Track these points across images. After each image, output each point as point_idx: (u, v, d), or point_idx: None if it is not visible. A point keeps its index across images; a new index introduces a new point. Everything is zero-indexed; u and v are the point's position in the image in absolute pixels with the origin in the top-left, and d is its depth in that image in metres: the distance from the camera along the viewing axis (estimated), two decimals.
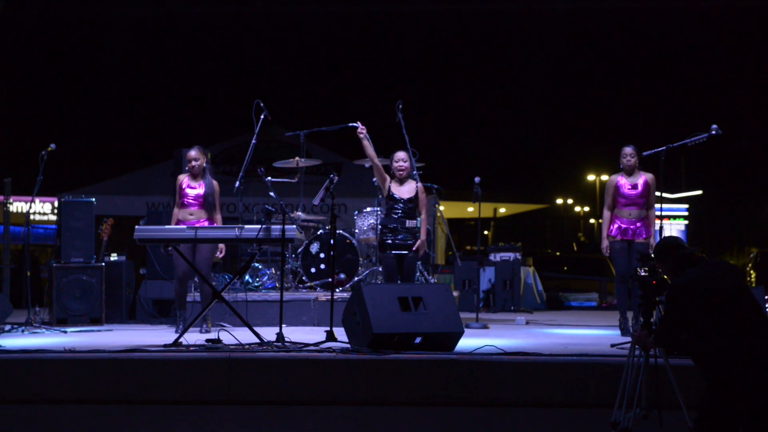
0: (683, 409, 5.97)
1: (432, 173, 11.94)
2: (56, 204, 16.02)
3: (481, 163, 41.37)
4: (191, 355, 7.24)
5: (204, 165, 9.64)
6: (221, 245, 9.56)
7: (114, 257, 12.07)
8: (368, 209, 10.75)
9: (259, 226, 8.37)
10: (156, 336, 8.94)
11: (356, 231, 10.81)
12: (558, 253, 31.00)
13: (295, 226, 8.58)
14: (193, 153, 9.62)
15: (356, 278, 10.68)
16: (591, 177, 45.97)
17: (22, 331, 9.66)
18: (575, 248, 37.79)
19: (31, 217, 15.76)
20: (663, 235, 8.82)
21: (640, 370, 6.04)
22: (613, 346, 8.04)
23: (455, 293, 10.75)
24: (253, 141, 11.12)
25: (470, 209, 29.81)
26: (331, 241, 8.81)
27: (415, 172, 10.29)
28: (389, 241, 9.27)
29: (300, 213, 11.07)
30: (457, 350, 7.57)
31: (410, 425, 6.83)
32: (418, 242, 9.34)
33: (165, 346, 7.73)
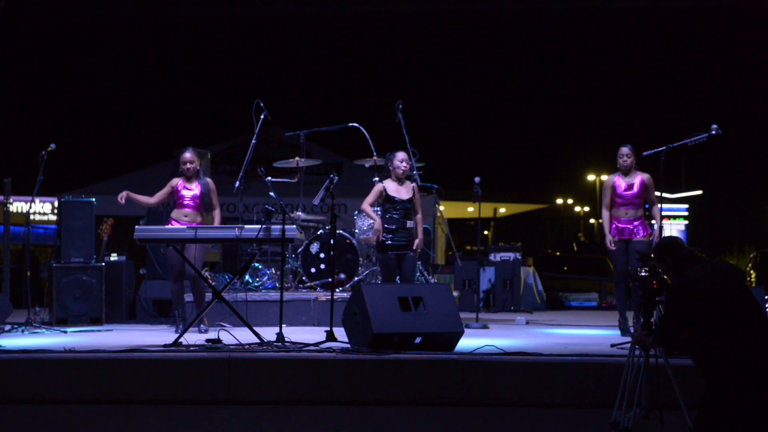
0: (683, 409, 5.96)
1: (432, 173, 11.95)
2: (56, 204, 16.03)
3: (481, 163, 41.41)
4: (191, 355, 7.24)
5: (198, 167, 9.63)
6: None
7: (114, 257, 12.06)
8: None
9: (259, 226, 8.37)
10: (156, 336, 8.94)
11: (356, 231, 10.81)
12: (558, 253, 30.98)
13: (295, 226, 8.58)
14: (188, 155, 9.55)
15: (356, 278, 10.67)
16: (591, 177, 45.97)
17: (22, 331, 9.66)
18: (575, 248, 37.75)
19: (31, 217, 15.77)
20: (663, 235, 8.84)
21: (640, 370, 6.04)
22: (613, 346, 8.04)
23: (455, 293, 10.75)
24: (253, 141, 11.12)
25: (470, 209, 29.81)
26: (331, 241, 8.81)
27: (414, 173, 10.31)
28: (389, 242, 9.31)
29: (300, 213, 11.06)
30: (457, 350, 7.57)
31: (410, 425, 6.83)
32: (417, 241, 9.38)
33: (165, 346, 7.73)
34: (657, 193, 9.46)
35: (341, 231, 10.78)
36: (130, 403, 6.90)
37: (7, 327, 9.68)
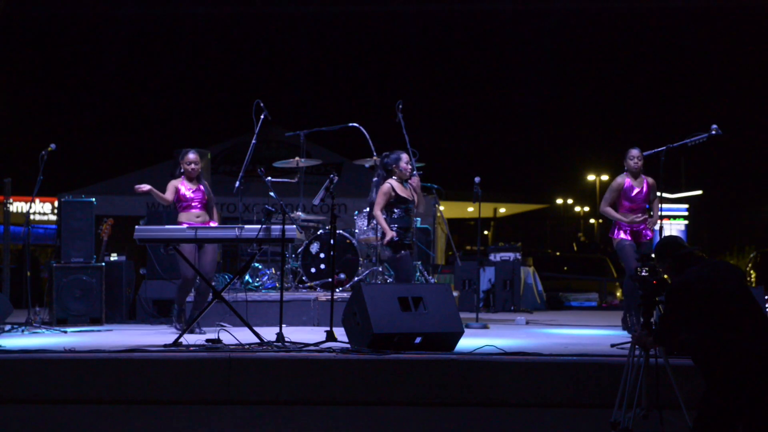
0: (683, 409, 5.96)
1: (432, 173, 11.96)
2: (56, 204, 16.03)
3: (481, 163, 41.39)
4: (191, 355, 7.24)
5: (200, 168, 9.62)
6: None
7: (114, 257, 12.07)
8: (368, 209, 10.74)
9: (259, 226, 8.37)
10: (156, 336, 8.94)
11: (356, 231, 10.81)
12: (558, 253, 30.99)
13: (295, 226, 8.58)
14: (193, 156, 9.50)
15: (356, 278, 10.67)
16: (591, 177, 45.97)
17: (22, 331, 9.66)
18: (575, 248, 37.75)
19: (31, 217, 15.77)
20: (663, 235, 8.84)
21: (640, 370, 6.03)
22: (613, 346, 8.04)
23: (455, 293, 10.75)
24: (253, 141, 11.12)
25: (470, 209, 29.81)
26: (331, 241, 8.81)
27: (415, 173, 10.32)
28: (407, 241, 9.45)
29: (300, 213, 11.06)
30: (457, 350, 7.57)
31: (410, 425, 6.83)
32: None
33: (165, 346, 7.73)
34: (657, 193, 9.47)
35: (341, 231, 10.78)
36: (130, 403, 6.90)
37: (7, 327, 9.69)
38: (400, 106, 10.70)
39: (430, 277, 11.74)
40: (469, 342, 7.88)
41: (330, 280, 10.03)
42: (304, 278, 10.93)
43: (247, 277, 10.92)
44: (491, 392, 6.89)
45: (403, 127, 10.64)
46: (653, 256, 6.07)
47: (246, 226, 8.48)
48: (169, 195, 9.46)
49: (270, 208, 9.06)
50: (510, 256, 15.18)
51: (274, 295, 10.37)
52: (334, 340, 8.03)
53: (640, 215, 9.39)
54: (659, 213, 9.40)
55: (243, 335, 8.01)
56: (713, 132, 8.87)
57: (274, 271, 11.20)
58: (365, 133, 11.29)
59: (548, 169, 49.83)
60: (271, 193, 10.41)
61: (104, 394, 6.92)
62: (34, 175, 10.20)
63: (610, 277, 20.12)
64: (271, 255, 11.72)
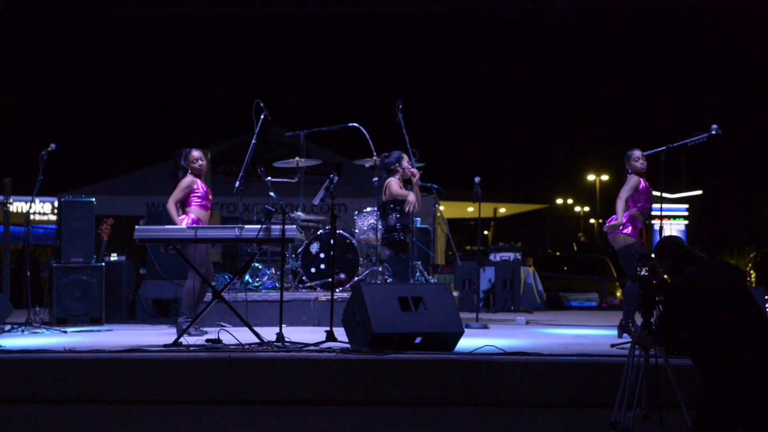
0: (683, 409, 5.96)
1: (432, 173, 11.94)
2: (56, 204, 16.03)
3: (481, 163, 41.39)
4: (191, 355, 7.24)
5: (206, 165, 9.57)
6: None
7: (114, 257, 12.07)
8: (368, 209, 10.75)
9: (259, 226, 8.36)
10: (156, 336, 8.94)
11: (356, 231, 10.81)
12: (558, 253, 31.00)
13: (295, 226, 8.58)
14: (198, 153, 9.35)
15: (356, 278, 10.67)
16: (591, 177, 45.97)
17: (22, 331, 9.66)
18: (575, 248, 37.76)
19: (31, 217, 15.78)
20: (663, 235, 8.84)
21: (640, 370, 6.04)
22: (613, 346, 8.04)
23: (455, 293, 10.75)
24: (253, 141, 11.12)
25: (470, 209, 29.82)
26: (331, 241, 8.81)
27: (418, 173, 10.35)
28: (411, 241, 9.51)
29: (300, 213, 11.06)
30: (457, 350, 7.57)
31: (410, 425, 6.83)
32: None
33: (165, 346, 7.73)
34: (656, 193, 9.47)
35: (341, 231, 10.78)
36: (130, 403, 6.90)
37: (7, 327, 9.69)
38: (400, 106, 10.70)
39: (430, 277, 11.74)
40: (469, 342, 7.88)
41: (330, 280, 10.03)
42: (304, 278, 10.93)
43: (247, 277, 10.92)
44: (491, 392, 6.89)
45: (403, 127, 10.64)
46: (653, 255, 6.08)
47: (246, 226, 8.47)
48: (182, 196, 9.19)
49: (270, 208, 9.05)
50: (510, 256, 15.18)
51: (274, 295, 10.36)
52: (334, 340, 8.03)
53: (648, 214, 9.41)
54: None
55: (243, 335, 8.01)
56: (713, 132, 8.87)
57: (274, 271, 11.20)
58: (365, 133, 11.29)
59: (548, 169, 49.86)
60: (271, 193, 10.41)
61: (104, 394, 6.92)
62: (34, 175, 10.20)
63: (610, 277, 20.13)
64: (271, 255, 11.72)
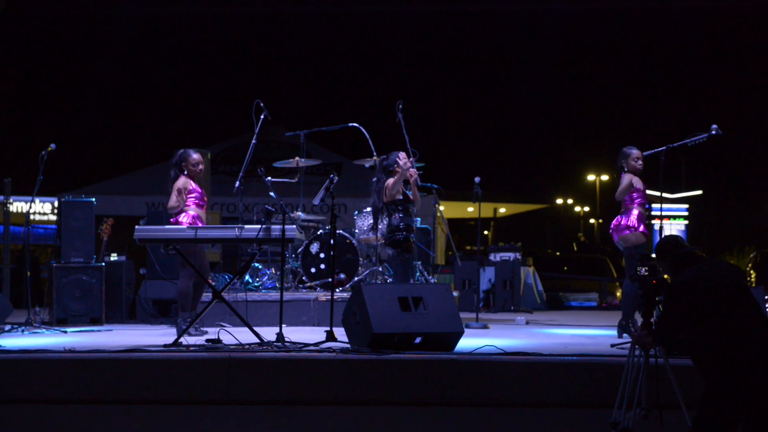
0: (683, 409, 5.96)
1: (432, 173, 11.95)
2: (56, 204, 16.04)
3: (481, 163, 41.38)
4: (191, 355, 7.24)
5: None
6: None
7: (114, 257, 12.07)
8: (368, 209, 10.74)
9: (259, 226, 8.36)
10: (156, 336, 8.94)
11: (356, 231, 10.81)
12: (558, 253, 30.99)
13: (295, 226, 8.58)
14: (198, 156, 9.31)
15: (356, 278, 10.68)
16: (591, 177, 45.97)
17: (22, 331, 9.66)
18: (575, 248, 37.75)
19: (31, 217, 15.78)
20: (663, 235, 8.83)
21: (640, 370, 6.04)
22: (613, 346, 8.04)
23: (455, 293, 10.75)
24: (253, 141, 11.12)
25: (470, 209, 29.82)
26: (331, 241, 8.81)
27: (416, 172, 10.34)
28: (412, 240, 9.50)
29: (300, 213, 11.06)
30: (457, 350, 7.57)
31: (410, 425, 6.83)
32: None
33: (165, 346, 7.73)
34: (656, 193, 9.46)
35: (341, 231, 10.78)
36: (130, 403, 6.90)
37: (7, 327, 9.69)
38: (400, 106, 10.70)
39: (430, 277, 11.74)
40: (469, 342, 7.87)
41: (330, 280, 10.03)
42: (304, 278, 10.93)
43: (247, 277, 10.92)
44: (491, 392, 6.89)
45: (403, 127, 10.64)
46: (653, 254, 6.07)
47: (246, 226, 8.47)
48: (180, 197, 9.18)
49: (270, 208, 9.05)
50: (510, 256, 15.18)
51: (274, 295, 10.36)
52: (334, 340, 8.03)
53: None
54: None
55: (243, 335, 8.00)
56: (713, 132, 8.86)
57: (274, 271, 11.20)
58: (365, 133, 11.29)
59: (548, 169, 49.82)
60: (271, 193, 10.41)
61: (104, 394, 6.92)
62: (34, 175, 10.20)
63: (610, 277, 20.13)
64: (271, 255, 11.72)
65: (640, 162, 9.28)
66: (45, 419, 6.84)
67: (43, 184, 10.27)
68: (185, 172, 9.26)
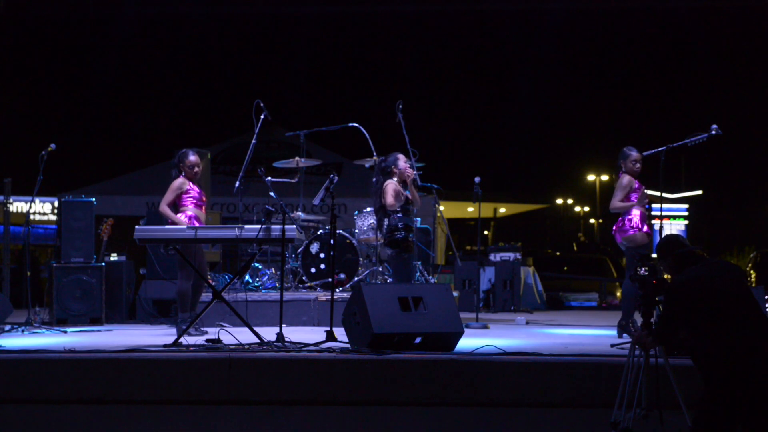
0: (683, 409, 5.96)
1: (432, 173, 11.96)
2: (56, 204, 16.02)
3: (481, 163, 41.37)
4: (191, 355, 7.24)
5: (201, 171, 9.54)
6: None
7: (114, 257, 12.07)
8: (368, 209, 10.75)
9: (259, 226, 8.36)
10: (156, 336, 8.94)
11: (356, 231, 10.81)
12: (558, 253, 30.98)
13: (295, 226, 8.58)
14: (195, 158, 9.30)
15: (356, 278, 10.68)
16: (591, 177, 45.95)
17: (22, 331, 9.66)
18: (575, 248, 37.74)
19: (31, 217, 15.78)
20: (664, 234, 8.83)
21: (640, 370, 6.03)
22: (613, 346, 8.04)
23: (455, 293, 10.75)
24: (253, 141, 11.12)
25: (470, 209, 29.83)
26: (331, 241, 8.81)
27: (415, 173, 10.34)
28: (411, 241, 9.50)
29: (300, 213, 11.07)
30: (457, 350, 7.57)
31: (410, 425, 6.83)
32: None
33: (165, 346, 7.73)
34: (656, 193, 9.46)
35: (341, 231, 10.78)
36: (130, 403, 6.90)
37: (7, 327, 9.69)
38: (400, 106, 10.71)
39: (430, 277, 11.74)
40: (469, 342, 7.88)
41: (330, 280, 10.03)
42: (304, 278, 10.94)
43: (247, 277, 10.92)
44: (491, 392, 6.89)
45: (403, 127, 10.65)
46: (654, 254, 6.07)
47: (246, 226, 8.47)
48: (174, 197, 9.20)
49: (270, 208, 9.05)
50: (510, 256, 15.18)
51: (274, 295, 10.37)
52: (334, 340, 8.03)
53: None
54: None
55: (243, 335, 8.01)
56: (713, 132, 8.86)
57: (274, 271, 11.20)
58: (365, 133, 11.29)
59: (548, 169, 49.81)
60: (271, 193, 10.40)
61: (104, 394, 6.92)
62: (34, 175, 10.20)
63: (610, 277, 20.13)
64: (271, 255, 11.72)
65: (638, 165, 9.27)
66: (45, 419, 6.84)
67: (43, 184, 10.27)
68: (183, 173, 9.27)
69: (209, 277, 10.81)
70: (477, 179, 11.23)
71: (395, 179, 9.54)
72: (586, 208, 50.74)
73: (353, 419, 6.84)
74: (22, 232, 11.45)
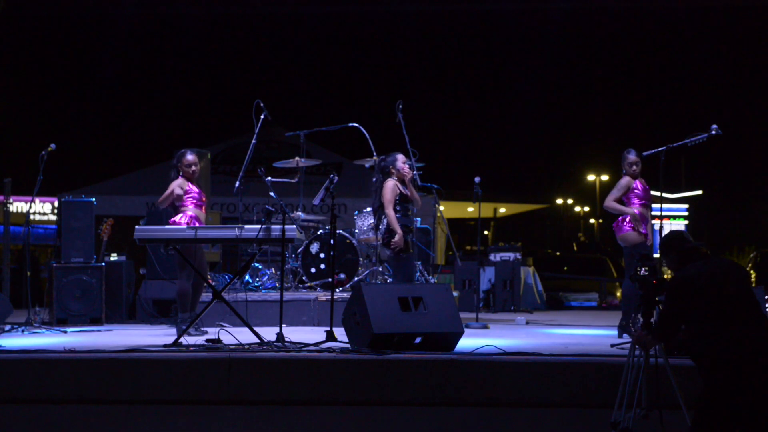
0: (683, 409, 5.96)
1: (432, 173, 11.96)
2: (56, 204, 16.04)
3: (481, 163, 41.39)
4: (191, 355, 7.24)
5: (199, 171, 9.52)
6: None
7: (114, 257, 12.07)
8: (368, 209, 10.75)
9: (259, 226, 8.36)
10: (156, 336, 8.94)
11: (356, 231, 10.81)
12: (558, 253, 31.00)
13: (295, 226, 8.58)
14: (192, 157, 9.28)
15: (356, 278, 10.68)
16: (591, 177, 45.94)
17: (22, 331, 9.66)
18: (575, 248, 37.76)
19: (31, 217, 15.77)
20: (664, 234, 8.83)
21: (640, 370, 6.03)
22: (613, 346, 8.04)
23: (455, 293, 10.75)
24: (253, 141, 11.12)
25: (470, 209, 29.81)
26: (331, 241, 8.81)
27: (415, 173, 10.33)
28: (411, 241, 9.50)
29: (300, 213, 11.07)
30: (457, 350, 7.57)
31: (410, 425, 6.83)
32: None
33: (165, 346, 7.73)
34: (656, 193, 9.46)
35: (341, 231, 10.78)
36: (130, 403, 6.90)
37: (7, 327, 9.69)
38: (400, 106, 10.71)
39: (430, 277, 11.74)
40: (469, 342, 7.87)
41: (330, 280, 10.03)
42: (304, 278, 10.94)
43: (247, 277, 10.92)
44: (491, 392, 6.88)
45: (403, 127, 10.65)
46: (659, 249, 6.02)
47: (246, 226, 8.47)
48: (172, 196, 9.23)
49: (270, 208, 9.05)
50: (510, 256, 15.18)
51: (274, 295, 10.37)
52: (334, 340, 8.03)
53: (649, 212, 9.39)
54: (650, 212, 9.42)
55: (243, 335, 8.01)
56: (713, 132, 8.86)
57: (274, 271, 11.20)
58: (365, 133, 11.29)
59: (548, 169, 49.84)
60: (271, 193, 10.41)
61: (104, 394, 6.92)
62: (34, 175, 10.20)
63: (610, 277, 20.12)
64: (271, 255, 11.72)
65: (634, 167, 9.31)
66: (45, 419, 6.84)
67: (43, 184, 10.27)
68: (180, 173, 9.26)
69: (209, 277, 10.81)
70: (477, 179, 11.23)
71: (394, 178, 9.54)
72: (586, 208, 50.76)
73: (353, 419, 6.84)
74: (22, 232, 11.45)
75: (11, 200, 10.80)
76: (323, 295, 10.53)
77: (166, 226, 8.91)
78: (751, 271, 18.08)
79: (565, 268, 21.77)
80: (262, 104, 10.89)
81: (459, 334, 7.76)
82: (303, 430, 6.82)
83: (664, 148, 9.07)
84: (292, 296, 10.55)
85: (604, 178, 44.21)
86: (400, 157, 9.57)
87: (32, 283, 10.69)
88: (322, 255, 10.87)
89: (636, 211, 9.20)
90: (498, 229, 43.39)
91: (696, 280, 5.55)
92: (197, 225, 8.95)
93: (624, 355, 6.50)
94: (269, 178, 10.68)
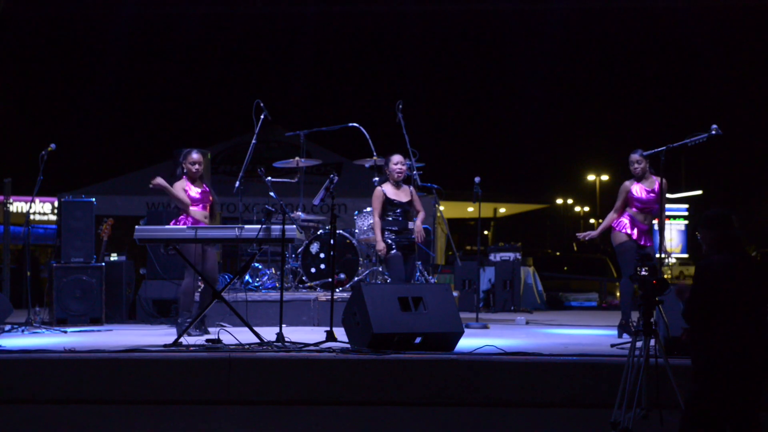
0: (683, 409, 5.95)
1: (432, 173, 11.96)
2: (56, 204, 16.04)
3: (481, 163, 41.40)
4: (191, 355, 7.24)
5: (203, 169, 9.51)
6: None
7: (114, 257, 12.07)
8: (368, 209, 10.74)
9: (259, 226, 8.37)
10: (156, 336, 8.94)
11: (356, 231, 10.81)
12: (558, 253, 30.98)
13: (295, 226, 8.58)
14: (197, 156, 9.26)
15: (356, 278, 10.68)
16: (591, 177, 45.96)
17: (22, 331, 9.67)
18: (575, 248, 37.75)
19: (31, 217, 15.78)
20: (663, 235, 8.85)
21: (640, 370, 6.03)
22: (613, 346, 8.04)
23: (455, 293, 10.76)
24: (253, 141, 11.12)
25: (470, 209, 29.82)
26: (331, 241, 8.82)
27: (414, 173, 10.33)
28: (406, 242, 9.45)
29: (300, 213, 11.07)
30: (457, 350, 7.58)
31: (410, 425, 6.83)
32: (418, 233, 9.48)
33: (165, 346, 7.73)
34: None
35: (341, 231, 10.78)
36: (130, 403, 6.90)
37: (7, 327, 9.69)
38: (400, 106, 10.71)
39: (430, 277, 11.74)
40: (469, 342, 7.88)
41: (330, 280, 10.03)
42: (304, 278, 10.94)
43: (247, 277, 10.92)
44: (491, 392, 6.89)
45: (403, 127, 10.65)
46: (701, 221, 5.81)
47: (246, 226, 8.48)
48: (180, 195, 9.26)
49: (270, 208, 9.05)
50: (510, 256, 15.18)
51: (274, 295, 10.37)
52: (334, 340, 8.04)
53: (649, 216, 9.39)
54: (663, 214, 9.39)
55: (243, 335, 8.01)
56: (713, 132, 8.85)
57: (274, 271, 11.20)
58: (365, 133, 11.29)
59: (548, 169, 49.84)
60: (271, 193, 10.40)
61: (104, 394, 6.92)
62: (34, 175, 10.20)
63: (610, 277, 20.12)
64: (271, 255, 11.72)
65: (634, 166, 9.37)
66: (45, 419, 6.84)
67: (43, 184, 10.28)
68: (185, 171, 9.25)
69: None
70: (477, 179, 11.23)
71: (391, 181, 9.59)
72: (586, 208, 50.76)
73: (353, 419, 6.84)
74: (22, 232, 11.45)
75: (11, 200, 10.81)
76: (323, 295, 10.53)
77: (166, 226, 8.90)
78: None
79: (565, 268, 21.78)
80: (262, 104, 10.89)
81: (459, 334, 7.77)
82: (303, 430, 6.82)
83: (664, 148, 9.06)
84: (292, 296, 10.55)
85: (604, 178, 44.23)
86: (393, 158, 9.58)
87: (32, 283, 10.70)
88: (322, 255, 10.87)
89: (627, 213, 9.28)
90: (498, 229, 43.38)
91: (721, 270, 5.35)
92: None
93: (624, 355, 6.50)
94: (269, 178, 10.68)
